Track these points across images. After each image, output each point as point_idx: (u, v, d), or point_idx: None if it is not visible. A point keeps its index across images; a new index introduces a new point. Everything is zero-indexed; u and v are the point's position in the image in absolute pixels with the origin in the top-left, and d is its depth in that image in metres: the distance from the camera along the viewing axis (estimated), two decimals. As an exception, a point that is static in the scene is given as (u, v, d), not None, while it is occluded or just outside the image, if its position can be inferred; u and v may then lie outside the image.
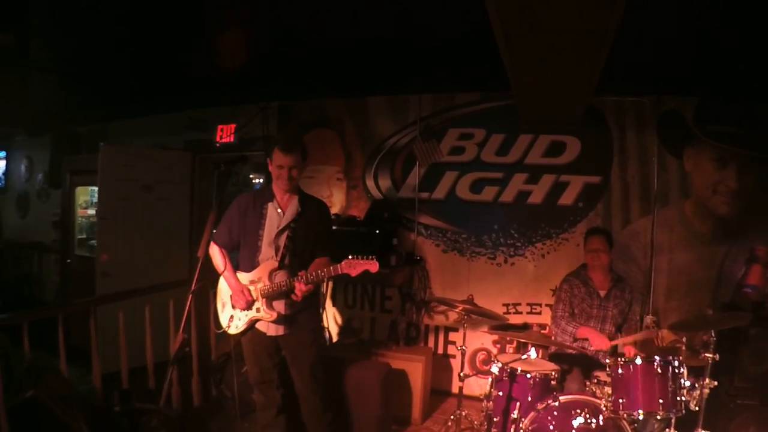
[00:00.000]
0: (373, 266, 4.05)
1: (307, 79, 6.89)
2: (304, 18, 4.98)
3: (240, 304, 4.42)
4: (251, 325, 4.46)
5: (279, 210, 4.44)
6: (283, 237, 4.38)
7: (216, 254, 4.54)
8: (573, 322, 5.20)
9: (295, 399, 4.67)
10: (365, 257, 4.07)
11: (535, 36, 3.72)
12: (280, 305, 4.39)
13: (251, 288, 4.40)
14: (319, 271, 4.14)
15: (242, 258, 4.55)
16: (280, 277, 4.31)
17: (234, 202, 4.65)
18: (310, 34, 5.38)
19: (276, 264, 4.32)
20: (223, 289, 4.62)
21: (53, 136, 10.28)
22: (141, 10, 4.93)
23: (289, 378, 4.65)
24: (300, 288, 4.16)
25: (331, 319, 7.33)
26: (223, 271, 4.51)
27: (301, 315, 4.47)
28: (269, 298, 4.36)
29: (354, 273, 4.07)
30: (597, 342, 4.98)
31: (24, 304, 9.60)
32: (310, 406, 4.60)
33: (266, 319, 4.38)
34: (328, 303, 7.26)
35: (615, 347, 5.14)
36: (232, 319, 4.52)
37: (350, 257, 4.07)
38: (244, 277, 4.47)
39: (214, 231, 4.46)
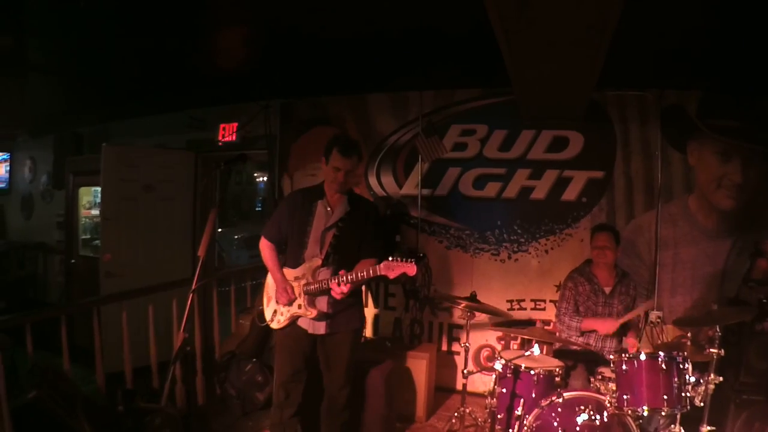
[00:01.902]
0: (411, 269, 3.99)
1: (308, 77, 6.89)
2: (304, 16, 4.97)
3: (282, 300, 4.42)
4: (292, 321, 4.45)
5: (328, 208, 4.43)
6: (330, 235, 4.37)
7: (265, 248, 4.57)
8: (577, 317, 5.18)
9: (308, 400, 4.66)
10: (404, 259, 4.01)
11: (535, 31, 3.70)
12: (322, 303, 4.37)
13: (294, 284, 4.40)
14: (359, 273, 4.11)
15: (289, 254, 4.55)
16: (324, 274, 4.30)
17: (285, 197, 4.70)
18: (311, 31, 5.37)
19: (320, 261, 4.32)
20: (271, 283, 4.62)
21: (55, 137, 10.31)
22: (140, 9, 4.92)
23: (313, 379, 4.64)
24: (336, 289, 4.17)
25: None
26: (270, 266, 4.54)
27: (344, 315, 4.46)
28: (311, 295, 4.35)
29: (392, 275, 4.02)
30: (604, 327, 4.98)
31: (29, 305, 9.63)
32: (332, 403, 4.60)
33: (307, 316, 4.36)
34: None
35: (620, 342, 5.14)
36: (276, 313, 4.53)
37: (390, 259, 4.02)
38: (289, 273, 4.46)
39: (218, 231, 4.45)
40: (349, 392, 4.62)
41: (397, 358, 5.95)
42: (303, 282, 4.35)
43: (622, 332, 5.19)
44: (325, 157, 4.39)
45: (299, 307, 4.37)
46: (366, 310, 7.12)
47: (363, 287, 4.79)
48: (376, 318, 7.38)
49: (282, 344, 4.60)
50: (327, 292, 4.28)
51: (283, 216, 4.57)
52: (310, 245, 4.40)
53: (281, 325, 4.49)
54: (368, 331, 7.31)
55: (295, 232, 4.48)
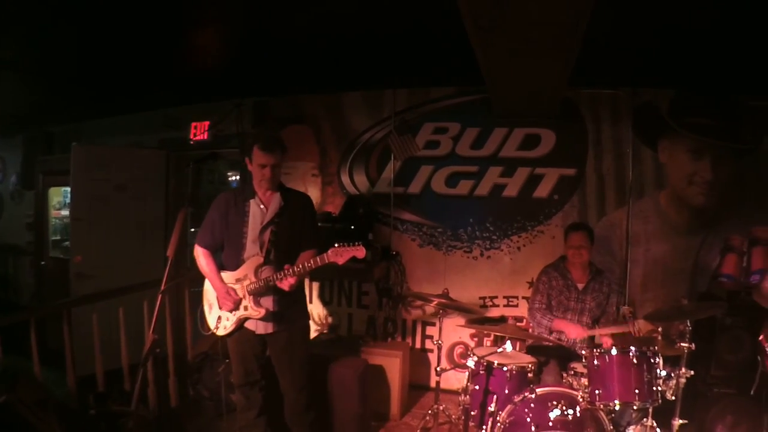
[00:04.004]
0: (360, 252, 3.98)
1: (282, 76, 6.84)
2: (277, 14, 4.93)
3: (226, 306, 4.37)
4: (240, 324, 4.41)
5: (261, 206, 4.39)
6: (268, 233, 4.33)
7: (200, 256, 4.50)
8: (548, 315, 5.22)
9: (275, 400, 4.63)
10: (351, 244, 4.00)
11: (507, 28, 3.71)
12: (268, 302, 4.34)
13: (237, 286, 4.35)
14: (306, 263, 4.08)
15: (226, 257, 4.49)
16: (267, 272, 4.26)
17: (214, 202, 4.60)
18: (284, 30, 5.34)
19: (261, 260, 4.28)
20: (210, 290, 4.56)
21: (25, 136, 10.15)
22: (112, 7, 4.86)
23: (271, 378, 4.61)
24: (283, 283, 4.14)
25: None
26: (208, 273, 4.48)
27: (290, 312, 4.44)
28: (256, 294, 4.31)
29: (341, 261, 4.00)
30: (572, 332, 5.03)
31: (-1, 308, 9.52)
32: (294, 404, 4.56)
33: (254, 316, 4.32)
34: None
35: (592, 337, 5.16)
36: (220, 319, 4.46)
37: (336, 245, 4.01)
38: (229, 276, 4.42)
39: (191, 231, 4.39)
40: (309, 392, 4.61)
41: (370, 356, 5.96)
42: (246, 283, 4.32)
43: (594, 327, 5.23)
44: (248, 158, 4.37)
45: (245, 308, 4.34)
46: (339, 309, 7.18)
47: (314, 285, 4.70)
48: (350, 316, 7.37)
49: (232, 348, 4.57)
50: (272, 290, 4.27)
51: (215, 220, 4.51)
52: (248, 246, 4.38)
53: (228, 331, 4.45)
54: (342, 330, 7.32)
55: (230, 235, 4.44)
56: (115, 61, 6.34)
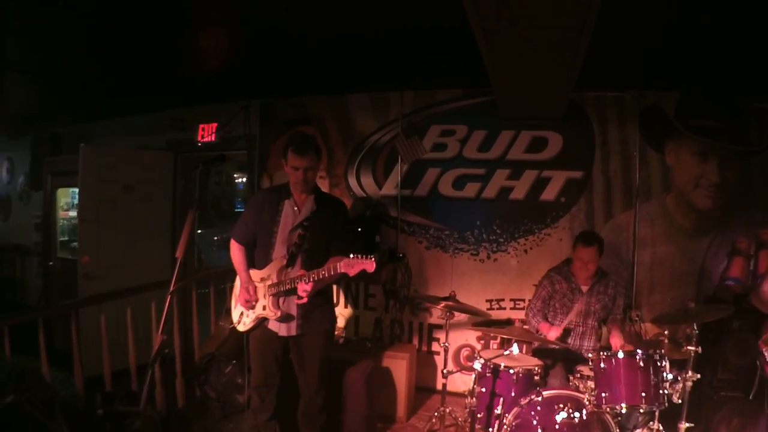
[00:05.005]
0: (370, 266, 3.91)
1: (289, 77, 6.85)
2: (284, 15, 4.95)
3: (240, 298, 4.44)
4: (258, 323, 4.42)
5: (295, 208, 4.40)
6: (295, 235, 4.33)
7: (233, 249, 4.60)
8: (537, 317, 5.25)
9: (284, 401, 4.64)
10: (363, 256, 3.95)
11: (514, 31, 3.71)
12: (290, 304, 4.35)
13: (260, 285, 4.38)
14: (321, 272, 4.06)
15: (257, 255, 4.52)
16: (289, 275, 4.26)
17: (252, 198, 4.66)
18: (291, 31, 5.35)
19: (285, 261, 4.29)
20: (238, 285, 4.60)
21: (33, 137, 10.19)
22: (120, 9, 4.88)
23: (287, 381, 4.62)
24: (299, 289, 4.13)
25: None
26: (236, 266, 4.57)
27: (314, 315, 4.42)
28: (276, 296, 4.32)
29: (352, 272, 3.96)
30: (551, 333, 5.08)
31: (7, 308, 9.53)
32: (309, 405, 4.56)
33: (270, 317, 4.33)
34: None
35: (599, 340, 5.17)
36: (242, 316, 4.51)
37: (351, 256, 3.96)
38: (255, 273, 4.45)
39: (198, 233, 4.41)
40: (325, 394, 4.59)
41: (377, 358, 5.97)
42: (269, 283, 4.33)
43: (599, 330, 5.23)
44: (283, 159, 4.37)
45: (264, 308, 4.34)
46: (345, 310, 7.17)
47: (334, 287, 4.73)
48: (357, 319, 7.37)
49: (253, 348, 4.58)
50: (292, 292, 4.24)
51: (250, 217, 4.56)
52: (277, 246, 4.38)
53: (247, 327, 4.47)
54: (349, 332, 7.31)
55: (263, 233, 4.46)
56: (122, 62, 6.36)
